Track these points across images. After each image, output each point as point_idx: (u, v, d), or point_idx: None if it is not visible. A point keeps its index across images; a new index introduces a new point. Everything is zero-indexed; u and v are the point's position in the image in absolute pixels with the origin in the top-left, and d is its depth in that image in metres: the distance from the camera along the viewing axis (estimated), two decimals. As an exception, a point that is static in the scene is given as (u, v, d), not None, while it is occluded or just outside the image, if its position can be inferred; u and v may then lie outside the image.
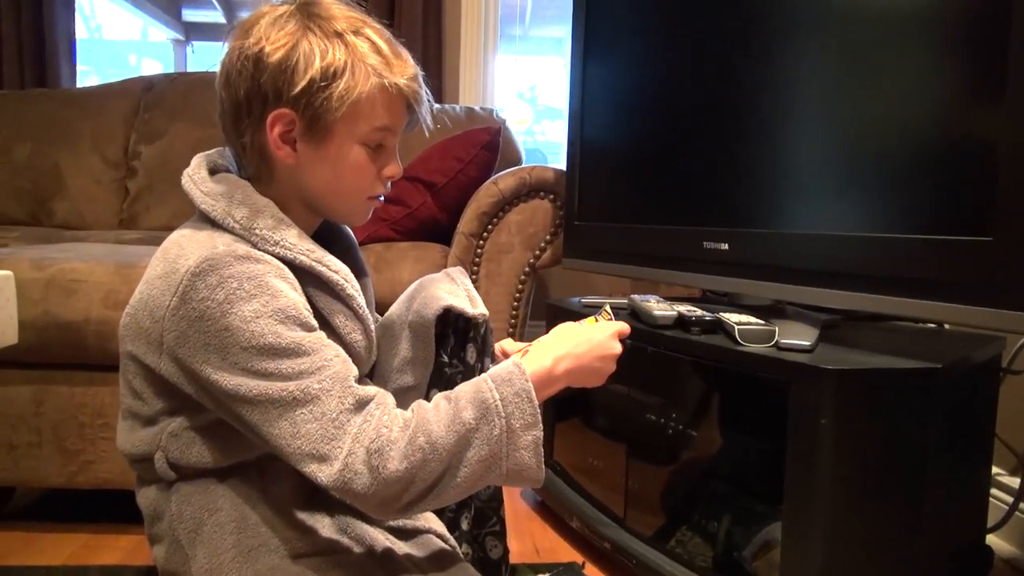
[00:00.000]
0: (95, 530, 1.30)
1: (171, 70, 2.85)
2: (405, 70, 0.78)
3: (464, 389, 0.72)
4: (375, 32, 0.78)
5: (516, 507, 1.47)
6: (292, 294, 0.72)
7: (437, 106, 2.32)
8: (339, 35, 0.75)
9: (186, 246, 0.73)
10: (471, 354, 0.94)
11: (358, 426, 0.67)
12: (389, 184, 0.83)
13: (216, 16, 4.25)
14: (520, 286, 1.74)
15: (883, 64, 0.94)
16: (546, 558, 1.24)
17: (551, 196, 1.73)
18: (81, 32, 2.96)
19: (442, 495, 0.69)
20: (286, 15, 0.75)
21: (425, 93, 0.80)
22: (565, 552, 1.27)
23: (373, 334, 0.84)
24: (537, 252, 1.74)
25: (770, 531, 0.93)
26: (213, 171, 0.81)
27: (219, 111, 0.79)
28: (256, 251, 0.72)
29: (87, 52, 4.00)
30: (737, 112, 1.15)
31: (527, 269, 1.74)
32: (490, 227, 1.72)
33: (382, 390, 0.73)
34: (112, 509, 1.32)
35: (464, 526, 0.96)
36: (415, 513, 0.74)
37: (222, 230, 0.74)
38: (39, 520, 1.36)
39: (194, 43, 4.03)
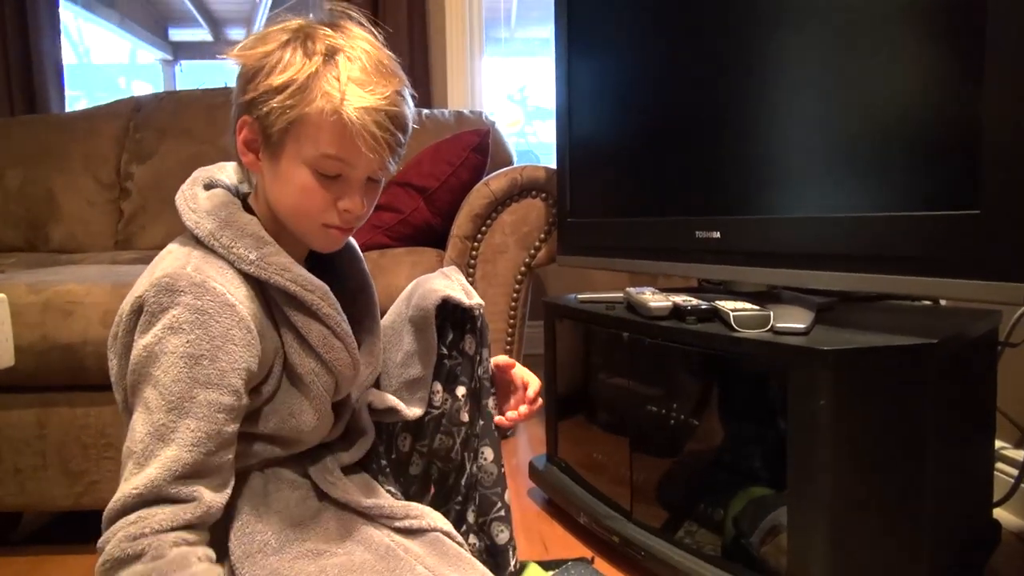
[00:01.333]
0: (104, 550, 1.30)
1: (161, 90, 2.85)
2: (364, 101, 0.73)
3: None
4: (352, 59, 0.75)
5: (524, 505, 1.47)
6: (228, 347, 0.70)
7: (426, 111, 2.32)
8: (316, 54, 0.74)
9: (160, 261, 0.75)
10: (469, 345, 0.97)
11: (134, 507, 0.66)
12: (349, 218, 0.79)
13: (203, 34, 4.27)
14: (517, 286, 1.74)
15: (862, 45, 0.94)
16: (555, 555, 1.24)
17: (543, 195, 1.74)
18: (70, 58, 2.97)
19: None
20: (286, 30, 0.76)
21: (386, 130, 0.75)
22: (574, 548, 1.27)
23: (356, 351, 0.83)
24: (532, 251, 1.74)
25: (776, 516, 0.93)
26: (209, 186, 0.81)
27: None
28: (215, 281, 0.71)
29: (77, 77, 4.01)
30: (721, 100, 1.15)
31: (523, 269, 1.74)
32: (484, 229, 1.73)
33: (205, 511, 0.68)
34: (120, 528, 1.32)
35: (470, 518, 0.97)
36: None
37: (204, 248, 0.75)
38: (48, 543, 1.35)
39: (182, 62, 4.04)
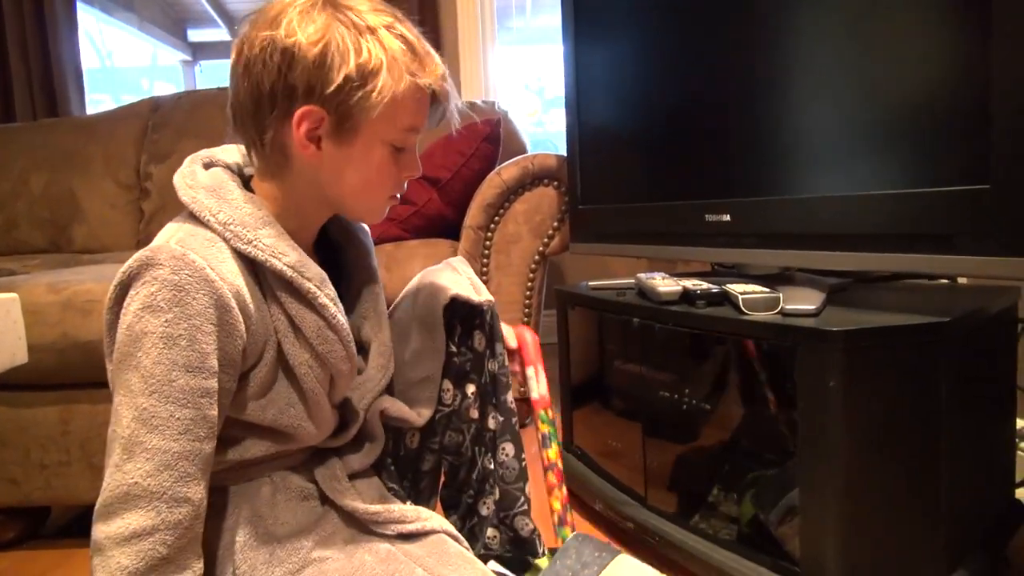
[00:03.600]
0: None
1: (182, 91, 2.89)
2: (436, 69, 0.76)
3: None
4: (407, 28, 0.75)
5: (541, 494, 1.47)
6: (205, 327, 0.68)
7: (439, 103, 2.32)
8: (371, 30, 0.72)
9: (154, 240, 0.72)
10: (478, 341, 0.95)
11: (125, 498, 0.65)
12: (406, 184, 0.82)
13: (222, 34, 4.31)
14: (531, 275, 1.74)
15: (870, 23, 0.92)
16: (571, 542, 1.24)
17: (555, 183, 1.73)
18: (93, 62, 3.02)
19: None
20: (315, 7, 0.72)
21: (452, 90, 0.79)
22: (590, 534, 1.27)
23: (352, 345, 0.80)
24: (546, 240, 1.74)
25: (793, 497, 0.92)
26: (209, 165, 0.78)
27: (232, 101, 0.75)
28: (199, 254, 0.69)
29: (101, 80, 4.08)
30: (728, 81, 1.14)
31: (537, 257, 1.74)
32: (497, 218, 1.73)
33: (193, 509, 0.68)
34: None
35: (484, 512, 0.97)
36: None
37: (198, 223, 0.73)
38: (75, 537, 1.39)
39: (201, 63, 4.08)
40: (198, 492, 0.68)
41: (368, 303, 0.89)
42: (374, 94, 0.71)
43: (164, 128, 2.33)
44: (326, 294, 0.76)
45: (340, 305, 0.78)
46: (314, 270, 0.75)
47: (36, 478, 1.30)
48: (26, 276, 1.42)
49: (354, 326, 0.87)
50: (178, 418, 0.66)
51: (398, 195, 0.82)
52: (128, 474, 0.65)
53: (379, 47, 0.72)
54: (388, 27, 0.73)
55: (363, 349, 0.89)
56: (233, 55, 0.74)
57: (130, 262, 0.68)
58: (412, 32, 0.76)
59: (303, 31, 0.70)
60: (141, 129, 2.35)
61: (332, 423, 0.85)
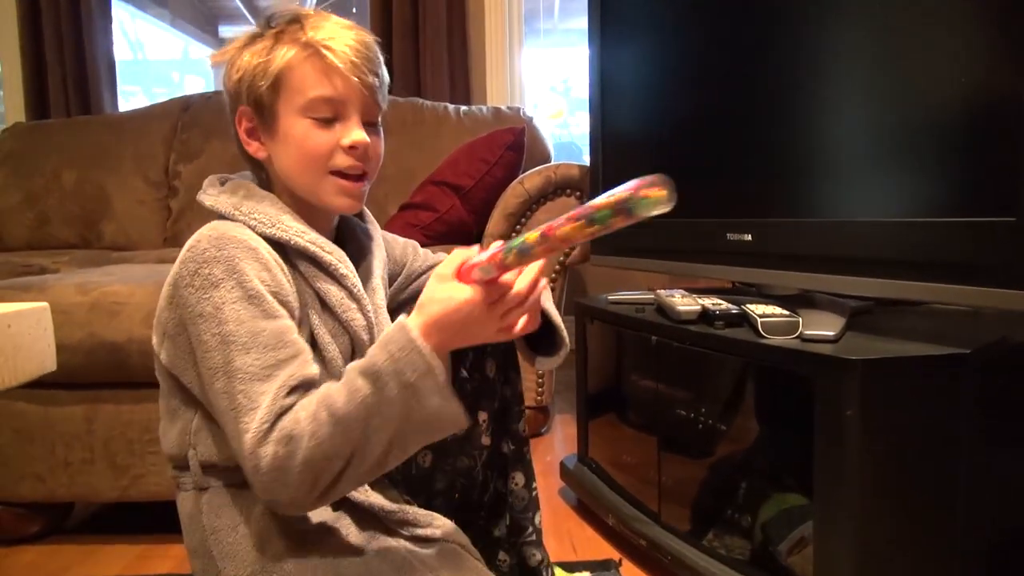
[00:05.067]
0: (148, 541, 1.36)
1: (211, 86, 2.92)
2: (333, 33, 0.78)
3: (357, 361, 0.71)
4: (314, 20, 0.80)
5: (555, 505, 1.47)
6: (262, 274, 0.73)
7: (464, 108, 2.33)
8: (280, 32, 0.80)
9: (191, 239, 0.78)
10: (490, 367, 0.95)
11: (279, 404, 0.68)
12: (357, 154, 0.80)
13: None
14: (552, 285, 1.74)
15: (903, 48, 0.91)
16: (583, 556, 1.24)
17: (577, 193, 1.74)
18: (125, 54, 3.06)
19: (363, 466, 0.68)
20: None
21: (363, 56, 0.79)
22: (603, 550, 1.28)
23: (372, 316, 0.85)
24: (567, 250, 1.74)
25: (806, 527, 0.92)
26: (224, 182, 0.85)
27: None
28: (233, 232, 0.75)
29: (133, 73, 4.13)
30: (755, 100, 1.13)
31: (557, 267, 1.74)
32: (518, 227, 1.73)
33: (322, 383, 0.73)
34: (163, 520, 1.36)
35: (496, 533, 0.97)
36: (342, 493, 0.72)
37: (227, 220, 0.79)
38: (96, 533, 1.42)
39: (232, 58, 4.12)
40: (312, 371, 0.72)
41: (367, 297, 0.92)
42: (265, 70, 0.78)
43: (193, 128, 2.36)
44: (347, 266, 0.82)
45: (358, 277, 0.84)
46: (332, 246, 0.82)
47: (60, 475, 1.33)
48: (56, 276, 1.45)
49: None
50: (281, 359, 0.70)
51: (350, 171, 0.81)
52: (262, 413, 0.67)
53: (271, 32, 0.80)
54: (292, 17, 0.80)
55: None
56: None
57: (174, 270, 0.75)
58: (322, 18, 0.81)
59: (228, 48, 0.82)
60: (171, 128, 2.38)
61: None
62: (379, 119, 0.84)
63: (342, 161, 0.80)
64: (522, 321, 0.73)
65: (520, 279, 0.70)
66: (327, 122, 0.79)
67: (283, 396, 0.68)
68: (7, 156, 2.42)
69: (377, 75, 0.81)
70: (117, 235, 2.31)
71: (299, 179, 0.82)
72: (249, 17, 4.25)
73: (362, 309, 0.83)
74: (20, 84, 2.75)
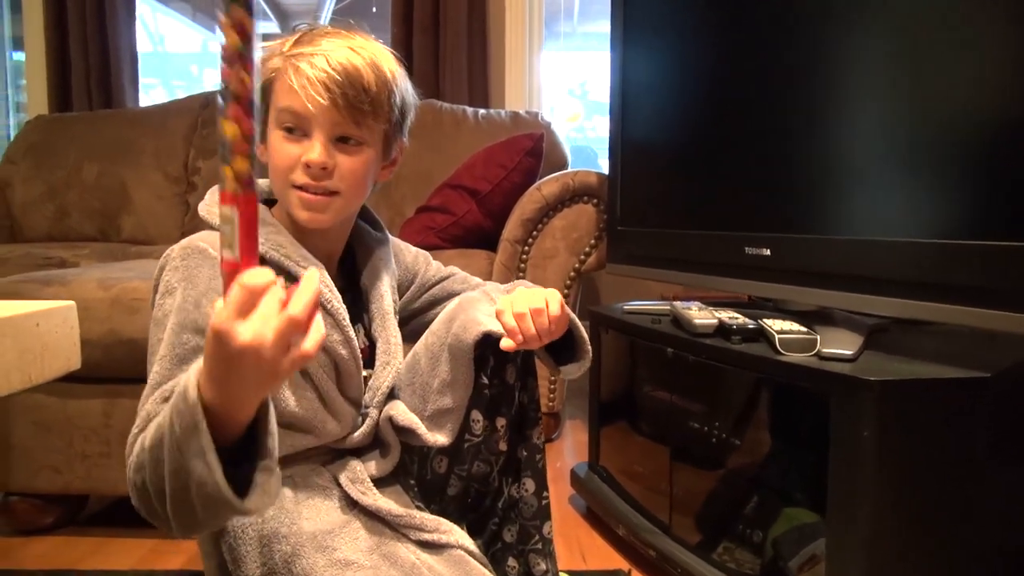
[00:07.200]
0: (161, 535, 1.37)
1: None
2: (318, 50, 0.79)
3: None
4: (309, 35, 0.82)
5: (565, 513, 1.48)
6: (214, 283, 0.76)
7: (483, 112, 2.34)
8: (284, 41, 0.83)
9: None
10: (510, 374, 0.95)
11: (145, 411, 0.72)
12: (312, 172, 0.80)
13: (271, 27, 4.37)
14: (566, 291, 1.75)
15: (929, 66, 0.91)
16: (593, 565, 1.25)
17: (595, 200, 1.74)
18: (145, 46, 3.09)
19: (180, 510, 0.59)
20: None
21: (332, 79, 0.78)
22: (612, 559, 1.28)
23: (350, 330, 0.85)
24: (582, 257, 1.75)
25: (818, 544, 0.92)
26: None
27: None
28: (203, 243, 0.78)
29: (153, 65, 4.15)
30: (776, 114, 1.13)
31: (572, 274, 1.75)
32: (535, 233, 1.74)
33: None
34: (177, 515, 1.39)
35: (508, 539, 0.98)
36: (194, 533, 0.70)
37: (212, 229, 0.81)
38: (111, 526, 1.43)
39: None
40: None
41: (374, 303, 0.95)
42: (262, 76, 0.81)
43: (213, 124, 2.38)
44: (331, 292, 0.83)
45: (337, 294, 0.85)
46: (311, 261, 0.83)
47: (77, 467, 1.35)
48: (76, 271, 1.47)
49: (362, 324, 0.93)
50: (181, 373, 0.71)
51: (306, 186, 0.81)
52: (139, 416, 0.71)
53: (281, 40, 0.83)
54: (304, 29, 0.83)
55: (372, 347, 0.94)
56: None
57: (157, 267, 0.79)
58: (326, 33, 0.82)
59: None
60: (191, 124, 2.40)
61: (351, 418, 0.89)
62: (364, 136, 0.83)
63: (298, 177, 0.82)
64: (313, 341, 0.54)
65: (293, 302, 0.52)
66: (296, 136, 0.81)
67: (159, 403, 0.71)
68: (30, 148, 2.45)
69: (357, 94, 0.79)
70: (136, 229, 2.33)
71: (274, 188, 0.86)
72: (270, 14, 4.27)
73: (338, 323, 0.84)
74: (44, 77, 2.78)
